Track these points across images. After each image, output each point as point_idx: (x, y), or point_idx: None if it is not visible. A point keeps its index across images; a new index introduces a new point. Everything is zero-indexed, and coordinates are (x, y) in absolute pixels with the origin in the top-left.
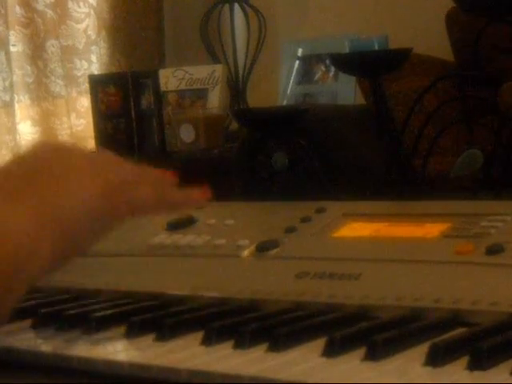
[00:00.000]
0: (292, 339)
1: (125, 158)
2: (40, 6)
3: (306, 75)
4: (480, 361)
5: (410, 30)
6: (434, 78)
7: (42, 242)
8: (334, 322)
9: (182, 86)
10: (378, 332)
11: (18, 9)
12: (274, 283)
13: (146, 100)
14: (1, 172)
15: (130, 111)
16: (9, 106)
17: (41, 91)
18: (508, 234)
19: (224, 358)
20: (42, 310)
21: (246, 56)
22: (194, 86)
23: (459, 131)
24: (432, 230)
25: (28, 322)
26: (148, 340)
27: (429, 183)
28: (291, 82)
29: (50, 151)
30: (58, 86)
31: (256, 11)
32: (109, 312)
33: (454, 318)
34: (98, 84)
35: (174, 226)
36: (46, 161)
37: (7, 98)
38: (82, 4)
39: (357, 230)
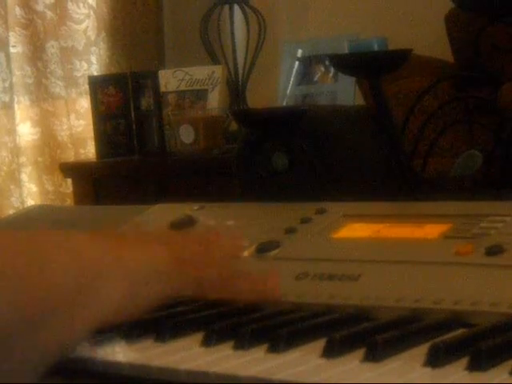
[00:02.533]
0: (292, 340)
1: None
2: (40, 7)
3: (305, 76)
4: (480, 361)
5: (409, 31)
6: (434, 78)
7: (111, 280)
8: (333, 323)
9: (182, 87)
10: (377, 333)
11: (17, 10)
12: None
13: (146, 101)
14: None
15: (129, 112)
16: (8, 107)
17: (40, 92)
18: (508, 235)
19: (224, 358)
20: None
21: (246, 57)
22: (194, 87)
23: (459, 132)
24: (432, 230)
25: None
26: (148, 341)
27: (428, 184)
28: (291, 82)
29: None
30: (57, 86)
31: (256, 12)
32: None
33: (454, 319)
34: (97, 85)
35: (175, 227)
36: (133, 229)
37: (7, 98)
38: (81, 5)
39: (357, 230)
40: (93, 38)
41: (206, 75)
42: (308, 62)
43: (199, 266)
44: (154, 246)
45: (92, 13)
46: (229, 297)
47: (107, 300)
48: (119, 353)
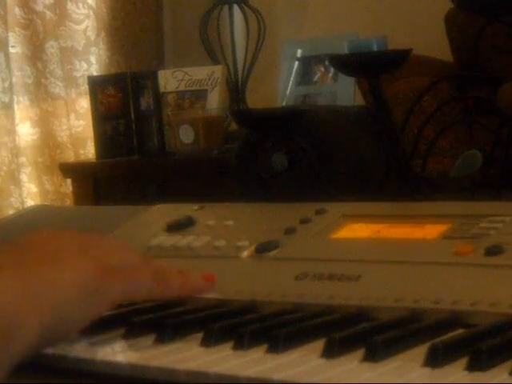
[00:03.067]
0: (291, 340)
1: (127, 246)
2: (39, 7)
3: (305, 76)
4: (479, 361)
5: (409, 31)
6: (434, 78)
7: (29, 315)
8: (333, 323)
9: (182, 87)
10: (377, 333)
11: (17, 10)
12: (273, 284)
13: (146, 101)
14: None
15: (129, 112)
16: (8, 108)
17: (40, 92)
18: (507, 235)
19: (223, 359)
20: None
21: (246, 57)
22: (194, 87)
23: (458, 132)
24: (431, 231)
25: None
26: (148, 341)
27: (428, 184)
28: (290, 82)
29: (44, 234)
30: (57, 87)
31: (255, 12)
32: (108, 313)
33: (454, 319)
34: (97, 85)
35: (174, 227)
36: (38, 241)
37: (6, 99)
38: (81, 5)
39: (356, 231)
40: (92, 38)
41: (206, 75)
42: (308, 62)
43: (126, 277)
44: (73, 261)
45: (91, 13)
46: (161, 296)
47: (21, 348)
48: (119, 353)
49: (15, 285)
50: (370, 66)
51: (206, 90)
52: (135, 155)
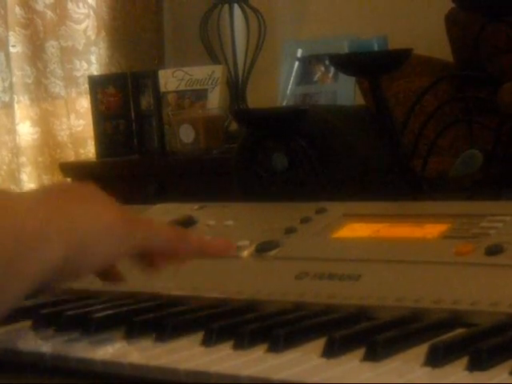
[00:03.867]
0: (292, 340)
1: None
2: (40, 7)
3: (305, 76)
4: (479, 361)
5: (409, 31)
6: (434, 78)
7: (57, 235)
8: (333, 323)
9: (182, 87)
10: (377, 332)
11: (17, 9)
12: (273, 284)
13: (146, 100)
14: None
15: (129, 112)
16: (8, 107)
17: (40, 92)
18: (507, 235)
19: (224, 358)
20: (42, 311)
21: (246, 56)
22: (194, 87)
23: (459, 131)
24: (432, 230)
25: (28, 323)
26: (148, 341)
27: (428, 183)
28: (291, 82)
29: (72, 184)
30: (57, 86)
31: (256, 12)
32: (108, 313)
33: (454, 319)
34: (97, 85)
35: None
36: (70, 185)
37: (7, 98)
38: (81, 5)
39: (357, 230)
40: (93, 37)
41: (206, 75)
42: (308, 62)
43: (147, 226)
44: (102, 204)
45: (92, 12)
46: (183, 251)
47: (46, 259)
48: (119, 353)
49: (47, 208)
50: (370, 65)
51: (207, 90)
52: (135, 155)
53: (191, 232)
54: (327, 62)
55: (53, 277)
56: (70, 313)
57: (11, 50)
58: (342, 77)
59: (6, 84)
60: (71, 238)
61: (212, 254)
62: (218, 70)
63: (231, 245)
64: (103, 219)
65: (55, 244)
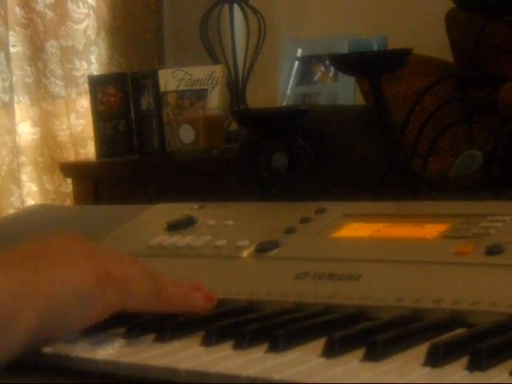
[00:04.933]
0: (292, 340)
1: (133, 258)
2: (40, 7)
3: (305, 76)
4: (479, 361)
5: (409, 31)
6: (434, 78)
7: (27, 309)
8: (333, 323)
9: (182, 87)
10: (377, 332)
11: (17, 9)
12: (273, 284)
13: (146, 100)
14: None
15: (129, 112)
16: (8, 107)
17: (40, 92)
18: (508, 235)
19: (224, 358)
20: None
21: (246, 56)
22: (194, 87)
23: (459, 132)
24: (432, 230)
25: None
26: (148, 341)
27: (428, 184)
28: (291, 82)
29: (55, 237)
30: (57, 86)
31: (256, 12)
32: None
33: (454, 319)
34: (97, 84)
35: (174, 227)
36: (45, 244)
37: (7, 98)
38: (81, 5)
39: (357, 230)
40: (93, 37)
41: (206, 75)
42: (308, 62)
43: (122, 287)
44: (76, 266)
45: (92, 12)
46: (160, 309)
47: (18, 332)
48: (119, 353)
49: (15, 280)
50: (370, 65)
51: (207, 90)
52: (135, 155)
53: (169, 280)
54: (327, 62)
55: (25, 347)
56: None
57: (11, 49)
58: (342, 77)
59: (6, 84)
60: (41, 310)
61: (192, 311)
62: (217, 70)
63: (212, 297)
64: (75, 287)
65: (26, 322)
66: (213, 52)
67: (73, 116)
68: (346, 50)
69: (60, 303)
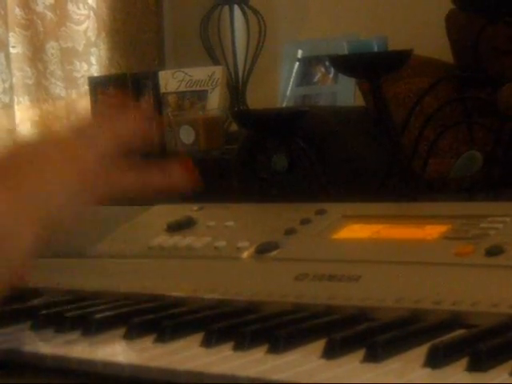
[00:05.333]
0: (292, 341)
1: (118, 112)
2: (40, 8)
3: (305, 77)
4: (479, 362)
5: (409, 32)
6: (434, 79)
7: (23, 224)
8: (333, 324)
9: (182, 88)
10: (377, 333)
11: (17, 10)
12: (273, 285)
13: (146, 101)
14: None
15: None
16: (8, 108)
17: (40, 93)
18: (507, 236)
19: (224, 359)
20: (42, 312)
21: (246, 58)
22: (194, 88)
23: (459, 133)
24: (432, 231)
25: (28, 324)
26: (148, 342)
27: (428, 185)
28: (291, 83)
29: (26, 147)
30: (57, 87)
31: (256, 13)
32: (109, 314)
33: (454, 320)
34: (97, 86)
35: (174, 228)
36: (22, 155)
37: (7, 99)
38: (81, 6)
39: (357, 231)
40: (93, 38)
41: (206, 76)
42: (308, 63)
43: (109, 167)
44: (58, 168)
45: (92, 13)
46: (144, 189)
47: (21, 243)
48: (119, 353)
49: (4, 198)
50: (370, 66)
51: (207, 91)
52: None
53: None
54: (327, 63)
55: (28, 260)
56: (70, 313)
57: (11, 51)
58: (342, 78)
59: (7, 85)
60: (35, 221)
61: (181, 189)
62: (218, 71)
63: (190, 168)
64: (63, 186)
65: (22, 238)
66: (213, 53)
67: (73, 117)
68: (345, 51)
69: (51, 209)
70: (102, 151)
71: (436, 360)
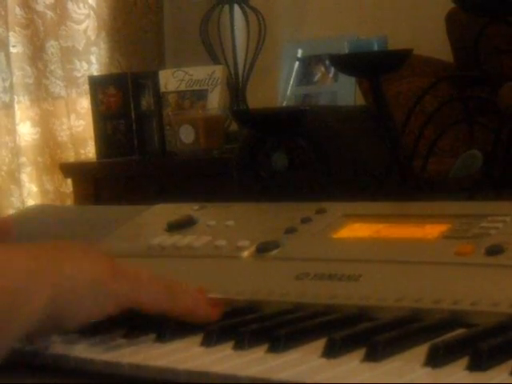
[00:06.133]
0: (292, 340)
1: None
2: (40, 7)
3: (305, 76)
4: (480, 361)
5: (409, 31)
6: (434, 78)
7: (36, 293)
8: (334, 323)
9: (182, 87)
10: (378, 333)
11: (17, 10)
12: (274, 284)
13: (146, 101)
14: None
15: (129, 112)
16: (9, 107)
17: (41, 92)
18: (508, 235)
19: (224, 358)
20: None
21: (246, 57)
22: (194, 87)
23: (459, 132)
24: (432, 230)
25: None
26: (148, 341)
27: (428, 184)
28: (291, 82)
29: (63, 242)
30: (57, 86)
31: (256, 12)
32: None
33: (454, 319)
34: (97, 85)
35: (175, 227)
36: (62, 242)
37: (7, 98)
38: (81, 5)
39: (357, 230)
40: (93, 38)
41: (206, 75)
42: (308, 62)
43: (135, 282)
44: (90, 260)
45: (92, 13)
46: (167, 311)
47: (31, 313)
48: (119, 353)
49: (28, 263)
50: (370, 65)
51: (207, 90)
52: (135, 155)
53: (181, 284)
54: (327, 63)
55: (36, 330)
56: None
57: (11, 50)
58: (343, 77)
59: (7, 84)
60: (55, 292)
61: (198, 320)
62: (218, 71)
63: (220, 304)
64: (89, 274)
65: (34, 307)
66: (213, 52)
67: (73, 116)
68: (346, 51)
69: (74, 290)
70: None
71: (436, 359)
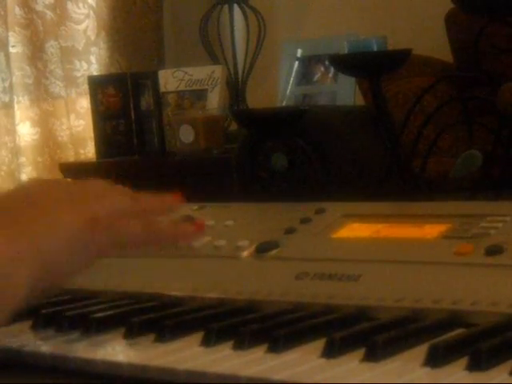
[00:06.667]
0: (291, 340)
1: (119, 186)
2: (39, 7)
3: (305, 76)
4: (479, 361)
5: (409, 31)
6: (434, 78)
7: (18, 267)
8: (333, 323)
9: (182, 87)
10: (377, 333)
11: (17, 10)
12: (273, 284)
13: (146, 101)
14: None
15: (129, 112)
16: (8, 107)
17: (40, 92)
18: (507, 235)
19: (223, 358)
20: (42, 311)
21: (246, 57)
22: (194, 87)
23: (458, 132)
24: (431, 230)
25: (28, 323)
26: (147, 341)
27: (428, 184)
28: (290, 82)
29: (35, 186)
30: (57, 86)
31: (255, 12)
32: (108, 313)
33: (454, 319)
34: (97, 85)
35: None
36: (29, 194)
37: (6, 99)
38: (81, 5)
39: (356, 230)
40: (93, 37)
41: (206, 75)
42: (308, 62)
43: (111, 225)
44: (62, 211)
45: (92, 13)
46: (150, 243)
47: (15, 289)
48: (119, 353)
49: (3, 241)
50: (370, 65)
51: (206, 90)
52: (135, 155)
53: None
54: (327, 62)
55: (25, 300)
56: (70, 313)
57: (11, 50)
58: (342, 77)
59: (6, 84)
60: (32, 267)
61: (182, 241)
62: (217, 70)
63: (201, 224)
64: (64, 235)
65: (17, 282)
66: (213, 52)
67: (73, 116)
68: (345, 51)
69: (51, 255)
70: (115, 206)
71: (436, 359)
